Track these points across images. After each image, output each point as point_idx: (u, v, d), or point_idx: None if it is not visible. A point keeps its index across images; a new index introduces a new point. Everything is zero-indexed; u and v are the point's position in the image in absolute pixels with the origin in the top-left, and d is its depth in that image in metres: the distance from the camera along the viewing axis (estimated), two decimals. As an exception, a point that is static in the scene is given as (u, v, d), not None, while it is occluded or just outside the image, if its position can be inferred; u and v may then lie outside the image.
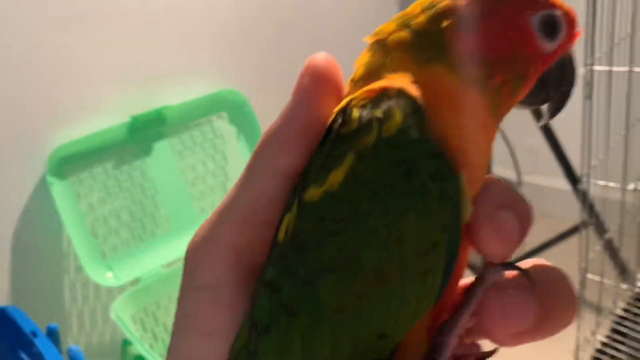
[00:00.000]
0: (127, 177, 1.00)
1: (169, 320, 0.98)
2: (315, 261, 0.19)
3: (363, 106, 0.20)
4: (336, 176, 0.19)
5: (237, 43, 1.19)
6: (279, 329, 0.20)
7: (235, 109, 1.11)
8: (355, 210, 0.19)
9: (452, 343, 0.20)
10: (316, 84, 0.21)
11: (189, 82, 1.10)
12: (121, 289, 0.98)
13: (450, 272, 0.20)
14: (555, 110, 0.23)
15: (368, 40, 0.22)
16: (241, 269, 0.21)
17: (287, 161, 0.21)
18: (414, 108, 0.20)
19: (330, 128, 0.20)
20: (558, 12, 0.22)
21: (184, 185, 1.06)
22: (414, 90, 0.20)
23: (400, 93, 0.20)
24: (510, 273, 0.21)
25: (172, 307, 0.90)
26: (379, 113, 0.20)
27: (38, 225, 1.02)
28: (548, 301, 0.20)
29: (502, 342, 0.21)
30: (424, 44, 0.21)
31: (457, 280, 0.21)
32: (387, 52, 0.21)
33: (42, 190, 1.01)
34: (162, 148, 1.04)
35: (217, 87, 1.12)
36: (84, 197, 0.99)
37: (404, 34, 0.22)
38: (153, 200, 1.01)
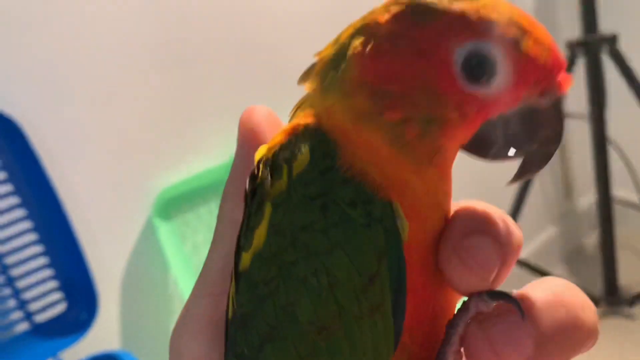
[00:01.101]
0: (231, 216, 1.10)
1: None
2: (255, 334, 0.18)
3: (275, 151, 0.19)
4: (259, 235, 0.19)
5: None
6: None
7: None
8: (282, 266, 0.18)
9: None
10: (253, 134, 0.21)
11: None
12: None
13: (403, 303, 0.18)
14: (523, 171, 0.20)
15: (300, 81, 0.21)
16: (223, 340, 0.20)
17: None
18: (321, 140, 0.18)
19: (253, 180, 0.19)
20: (496, 50, 0.18)
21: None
22: (319, 124, 0.19)
23: (306, 129, 0.19)
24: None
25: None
26: (286, 154, 0.19)
27: (145, 267, 1.02)
28: (549, 331, 0.18)
29: None
30: (332, 67, 0.19)
31: (434, 310, 0.19)
32: (311, 83, 0.20)
33: (148, 233, 1.01)
34: (261, 186, 1.14)
35: None
36: (189, 238, 1.04)
37: (328, 53, 0.20)
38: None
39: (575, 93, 1.57)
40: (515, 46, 0.18)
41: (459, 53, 0.18)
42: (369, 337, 0.17)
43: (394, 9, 0.18)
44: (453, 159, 0.20)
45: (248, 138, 0.21)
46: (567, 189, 1.89)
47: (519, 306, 0.19)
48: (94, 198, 0.95)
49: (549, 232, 1.86)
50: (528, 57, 0.18)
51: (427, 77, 0.18)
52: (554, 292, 0.19)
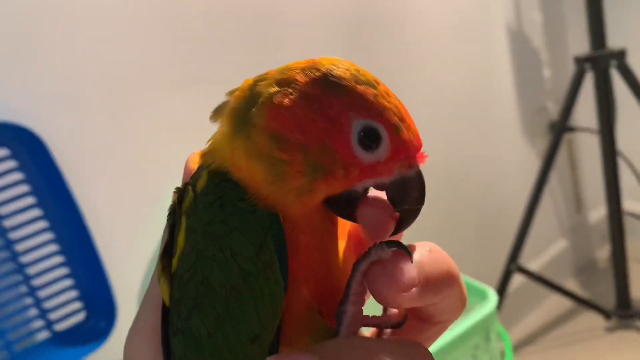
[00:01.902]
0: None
1: None
2: (184, 309, 0.24)
3: (188, 182, 0.26)
4: (180, 241, 0.24)
5: None
6: None
7: None
8: (197, 254, 0.23)
9: (349, 310, 0.23)
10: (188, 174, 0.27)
11: None
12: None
13: (285, 259, 0.23)
14: (400, 226, 0.25)
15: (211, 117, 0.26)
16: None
17: None
18: (218, 169, 0.24)
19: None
20: (382, 129, 0.23)
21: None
22: (223, 150, 0.24)
23: (206, 164, 0.25)
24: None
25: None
26: (192, 181, 0.25)
27: None
28: (428, 268, 0.24)
29: (393, 301, 0.23)
30: (243, 109, 0.24)
31: (326, 267, 0.25)
32: (220, 123, 0.26)
33: None
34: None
35: None
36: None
37: (242, 94, 0.25)
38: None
39: (584, 107, 1.59)
40: (395, 129, 0.23)
41: (356, 124, 0.23)
42: (266, 287, 0.23)
43: (312, 74, 0.23)
44: (320, 204, 0.25)
45: (188, 177, 0.27)
46: (578, 203, 1.90)
47: (407, 250, 0.24)
48: (113, 210, 0.98)
49: (559, 246, 1.86)
50: (402, 139, 0.23)
51: (328, 135, 0.23)
52: (433, 247, 0.25)
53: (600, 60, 1.41)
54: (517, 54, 1.63)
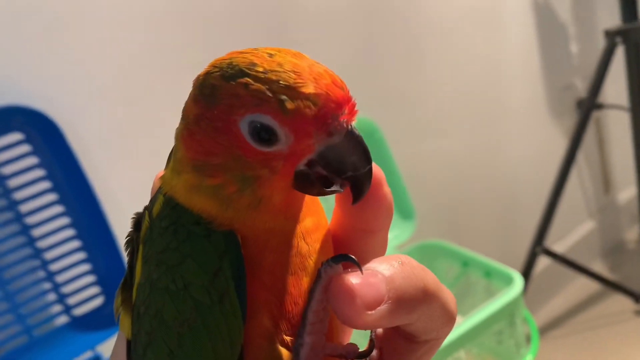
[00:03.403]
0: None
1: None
2: (140, 346, 0.23)
3: (146, 206, 0.25)
4: (138, 270, 0.24)
5: (366, 69, 1.20)
6: None
7: (365, 138, 1.23)
8: (151, 284, 0.22)
9: (306, 342, 0.21)
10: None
11: None
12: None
13: (244, 287, 0.21)
14: (356, 195, 0.23)
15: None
16: None
17: None
18: (169, 195, 0.24)
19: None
20: (267, 118, 0.21)
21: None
22: (171, 184, 0.24)
23: (162, 188, 0.24)
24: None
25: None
26: (149, 206, 0.25)
27: None
28: (399, 282, 0.21)
29: (358, 322, 0.20)
30: (174, 148, 0.24)
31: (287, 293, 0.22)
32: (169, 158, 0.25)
33: None
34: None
35: None
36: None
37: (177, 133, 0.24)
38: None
39: (614, 84, 1.53)
40: (280, 111, 0.20)
41: (242, 125, 0.21)
42: (222, 319, 0.21)
43: (193, 94, 0.23)
44: (286, 200, 0.23)
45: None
46: (606, 183, 1.85)
47: (355, 260, 0.21)
48: (129, 196, 0.97)
49: (586, 227, 1.82)
50: (295, 115, 0.21)
51: (229, 147, 0.21)
52: (406, 259, 0.23)
53: (632, 34, 1.35)
54: (544, 29, 1.57)
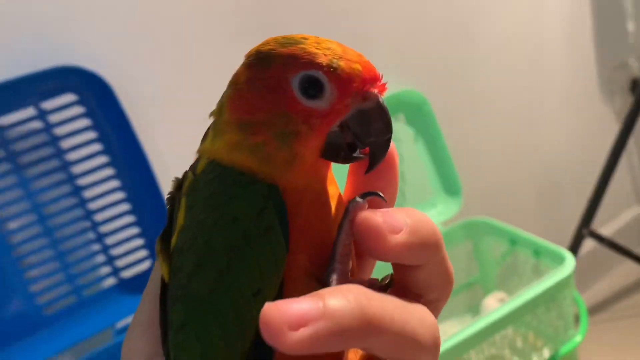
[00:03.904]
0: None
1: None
2: (184, 275, 0.24)
3: (185, 173, 0.26)
4: (180, 218, 0.25)
5: (418, 42, 1.18)
6: (177, 347, 0.23)
7: (413, 110, 1.11)
8: (197, 223, 0.24)
9: (337, 269, 0.24)
10: None
11: None
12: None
13: (286, 224, 0.23)
14: (373, 161, 0.25)
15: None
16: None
17: None
18: (211, 158, 0.25)
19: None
20: (319, 73, 0.24)
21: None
22: (212, 149, 0.25)
23: (203, 154, 0.26)
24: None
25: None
26: (192, 166, 0.26)
27: None
28: (416, 224, 0.23)
29: (381, 247, 0.22)
30: (217, 112, 0.26)
31: (320, 230, 0.25)
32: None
33: None
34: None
35: (395, 88, 1.10)
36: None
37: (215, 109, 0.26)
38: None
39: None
40: (332, 68, 0.24)
41: (294, 81, 0.24)
42: (268, 247, 0.23)
43: (247, 62, 0.25)
44: (315, 164, 0.25)
45: None
46: (657, 167, 1.79)
47: (380, 195, 0.25)
48: (179, 160, 0.97)
49: (634, 212, 1.77)
50: (343, 74, 0.24)
51: (277, 103, 0.24)
52: (416, 210, 0.25)
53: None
54: (599, 5, 1.52)
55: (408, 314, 0.22)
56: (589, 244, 1.57)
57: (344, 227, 0.24)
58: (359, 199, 0.24)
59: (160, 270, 0.26)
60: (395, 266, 0.25)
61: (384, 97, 0.25)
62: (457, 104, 1.29)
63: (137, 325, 0.26)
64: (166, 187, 0.81)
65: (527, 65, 1.41)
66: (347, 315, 0.19)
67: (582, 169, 1.58)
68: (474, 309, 1.24)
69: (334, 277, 0.23)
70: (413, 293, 0.24)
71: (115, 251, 0.90)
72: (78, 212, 0.87)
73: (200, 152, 0.27)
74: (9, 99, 0.81)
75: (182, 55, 0.95)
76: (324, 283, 0.23)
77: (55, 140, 0.85)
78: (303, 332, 0.18)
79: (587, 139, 1.58)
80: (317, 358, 0.21)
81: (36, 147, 0.84)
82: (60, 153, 0.85)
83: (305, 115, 0.24)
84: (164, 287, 0.25)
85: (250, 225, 0.23)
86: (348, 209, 0.24)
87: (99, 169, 0.87)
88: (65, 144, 0.86)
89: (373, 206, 0.24)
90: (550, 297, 0.92)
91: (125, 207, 0.89)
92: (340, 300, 0.20)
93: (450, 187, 1.18)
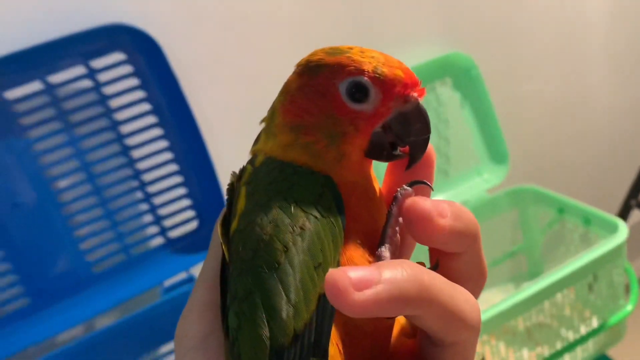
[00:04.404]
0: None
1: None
2: (248, 250, 0.25)
3: (244, 166, 0.29)
4: (240, 205, 0.26)
5: (464, 4, 1.14)
6: (241, 315, 0.24)
7: (460, 74, 1.09)
8: (260, 205, 0.25)
9: (387, 247, 0.26)
10: None
11: (414, 46, 1.09)
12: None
13: (342, 208, 0.26)
14: (412, 159, 0.28)
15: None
16: (219, 321, 0.26)
17: None
18: (266, 153, 0.28)
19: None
20: (364, 79, 0.26)
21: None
22: (266, 148, 0.28)
23: (259, 152, 0.29)
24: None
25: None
26: (250, 160, 0.29)
27: None
28: (457, 212, 0.25)
29: (429, 230, 0.24)
30: (269, 117, 0.29)
31: (372, 215, 0.27)
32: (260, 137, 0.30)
33: None
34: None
35: (441, 51, 1.09)
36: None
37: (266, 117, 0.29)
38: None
39: None
40: (376, 74, 0.26)
41: (342, 87, 0.26)
42: (327, 227, 0.25)
43: (297, 71, 0.28)
44: (360, 162, 0.28)
45: None
46: None
47: (427, 183, 0.27)
48: (226, 119, 0.96)
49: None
50: (386, 79, 0.26)
51: (326, 107, 0.27)
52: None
53: None
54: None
55: (456, 291, 0.23)
56: (637, 215, 1.53)
57: (393, 212, 0.26)
58: (407, 187, 0.26)
59: (220, 252, 0.27)
60: (435, 255, 0.27)
61: (422, 100, 0.28)
62: (506, 68, 1.26)
63: (193, 307, 0.27)
64: (212, 148, 0.81)
65: (579, 29, 1.36)
66: (405, 281, 0.21)
67: (634, 138, 1.53)
68: (517, 279, 1.22)
69: (387, 253, 0.26)
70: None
71: (163, 211, 0.91)
72: (126, 172, 0.88)
73: (255, 151, 0.29)
74: (59, 57, 0.82)
75: (231, 17, 0.94)
76: (376, 259, 0.26)
77: (104, 99, 0.85)
78: (367, 293, 0.20)
79: (638, 107, 1.53)
80: (370, 324, 0.25)
81: (85, 106, 0.84)
82: (109, 112, 0.85)
83: (352, 118, 0.27)
84: (223, 267, 0.27)
85: (310, 207, 0.25)
86: (397, 196, 0.26)
87: (148, 129, 0.87)
88: (114, 103, 0.86)
89: (419, 194, 0.27)
90: (601, 265, 0.90)
91: (173, 167, 0.89)
92: (398, 269, 0.22)
93: (497, 153, 1.16)
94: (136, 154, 0.88)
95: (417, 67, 1.06)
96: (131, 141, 0.87)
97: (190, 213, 0.92)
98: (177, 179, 0.90)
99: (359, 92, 0.26)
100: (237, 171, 0.29)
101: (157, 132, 0.88)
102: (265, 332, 0.23)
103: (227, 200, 0.28)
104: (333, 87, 0.27)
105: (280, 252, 0.24)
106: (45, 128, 0.82)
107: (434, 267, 0.26)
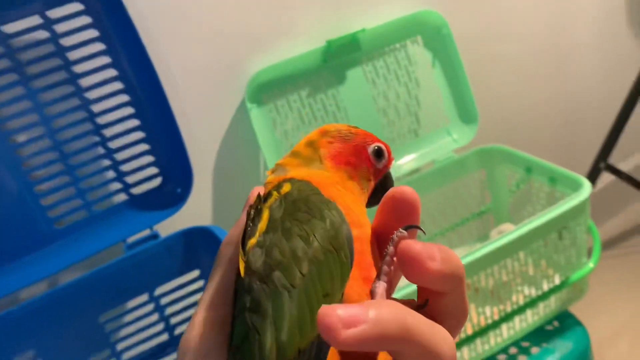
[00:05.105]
0: (321, 105, 1.04)
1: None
2: (263, 268, 0.27)
3: (269, 189, 0.32)
4: (261, 226, 0.29)
5: None
6: (253, 324, 0.26)
7: (431, 33, 1.08)
8: (282, 230, 0.28)
9: (382, 284, 0.29)
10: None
11: (385, 4, 1.08)
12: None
13: (352, 248, 0.29)
14: (377, 201, 0.35)
15: (269, 173, 0.35)
16: (224, 338, 0.28)
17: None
18: (298, 180, 0.33)
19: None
20: (382, 146, 0.37)
21: (376, 114, 1.09)
22: (298, 176, 0.33)
23: (288, 178, 0.33)
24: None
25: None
26: (275, 187, 0.32)
27: (237, 149, 1.00)
28: (445, 255, 0.27)
29: (419, 271, 0.27)
30: (310, 161, 0.35)
31: (372, 255, 0.31)
32: (285, 169, 0.35)
33: (241, 115, 0.99)
34: (355, 74, 1.05)
35: (413, 8, 1.07)
36: (279, 125, 1.02)
37: (294, 160, 0.36)
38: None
39: None
40: (385, 144, 0.37)
41: (370, 149, 0.36)
42: (338, 263, 0.28)
43: (329, 135, 0.36)
44: (365, 201, 0.36)
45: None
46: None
47: (421, 228, 0.31)
48: (189, 77, 0.95)
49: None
50: (388, 150, 0.37)
51: (362, 161, 0.36)
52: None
53: None
54: None
55: (435, 330, 0.26)
56: (605, 179, 1.55)
57: (389, 251, 0.29)
58: (402, 230, 0.30)
59: (228, 269, 0.30)
60: (424, 293, 0.29)
61: None
62: (478, 27, 1.25)
63: (197, 323, 0.29)
64: (177, 107, 0.79)
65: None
66: (388, 322, 0.24)
67: (604, 102, 1.53)
68: (484, 239, 1.23)
69: (380, 290, 0.29)
70: (436, 319, 0.29)
71: (126, 167, 0.90)
72: (87, 126, 0.86)
73: (278, 179, 0.34)
74: (15, 6, 0.79)
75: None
76: (372, 294, 0.29)
77: (62, 50, 0.82)
78: (354, 331, 0.23)
79: (611, 72, 1.53)
80: (358, 354, 0.28)
81: (43, 58, 0.82)
82: (67, 65, 0.83)
83: (373, 171, 0.36)
84: (236, 281, 0.29)
85: (326, 243, 0.28)
86: (393, 237, 0.30)
87: (108, 82, 0.85)
88: (73, 55, 0.83)
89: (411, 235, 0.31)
90: (564, 222, 0.91)
91: (135, 122, 0.88)
92: (384, 309, 0.24)
93: (466, 114, 1.15)
94: (97, 108, 0.86)
95: (389, 24, 1.06)
96: (91, 95, 0.85)
97: (154, 170, 0.90)
98: (140, 135, 0.89)
99: (379, 154, 0.36)
100: (260, 194, 0.32)
101: (118, 85, 0.86)
102: (272, 347, 0.25)
103: (247, 219, 0.30)
104: (364, 149, 0.36)
105: (296, 277, 0.27)
106: (0, 80, 0.80)
107: (424, 304, 0.28)
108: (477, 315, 0.93)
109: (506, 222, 1.22)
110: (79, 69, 0.84)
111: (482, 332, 0.93)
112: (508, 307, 0.94)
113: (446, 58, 1.12)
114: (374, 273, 0.30)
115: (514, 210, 1.19)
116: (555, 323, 1.03)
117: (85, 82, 0.85)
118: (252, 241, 0.28)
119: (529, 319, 0.98)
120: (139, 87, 0.87)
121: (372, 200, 0.37)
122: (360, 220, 0.32)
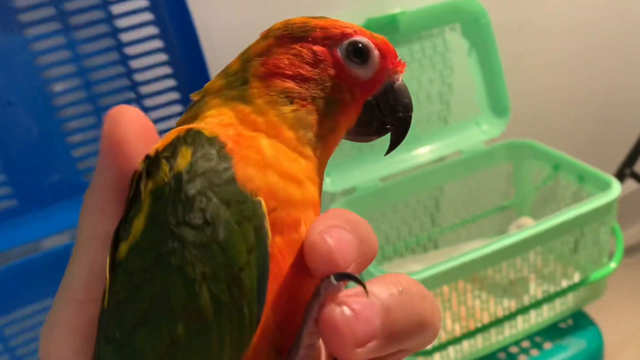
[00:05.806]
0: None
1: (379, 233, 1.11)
2: (129, 319, 0.19)
3: (157, 150, 0.20)
4: (138, 225, 0.20)
5: None
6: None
7: (470, 21, 1.06)
8: (159, 255, 0.19)
9: (299, 356, 0.20)
10: (117, 144, 0.20)
11: None
12: (332, 196, 1.02)
13: (264, 290, 0.19)
14: (397, 139, 0.25)
15: (193, 97, 0.24)
16: (91, 345, 0.21)
17: (108, 225, 0.20)
18: (207, 143, 0.20)
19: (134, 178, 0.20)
20: (365, 39, 0.24)
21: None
22: (210, 128, 0.21)
23: (194, 132, 0.21)
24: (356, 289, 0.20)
25: (384, 221, 1.08)
26: (168, 152, 0.20)
27: None
28: (395, 315, 0.20)
29: (345, 356, 0.19)
30: (233, 84, 0.23)
31: (293, 303, 0.21)
32: (204, 100, 0.23)
33: None
34: (392, 56, 1.08)
35: None
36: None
37: (220, 81, 0.24)
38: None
39: None
40: (373, 36, 0.24)
41: (340, 48, 0.23)
42: (236, 320, 0.19)
43: (272, 35, 0.24)
44: (336, 144, 0.24)
45: (111, 147, 0.21)
46: None
47: (361, 282, 0.20)
48: (228, 40, 0.95)
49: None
50: (383, 45, 0.24)
51: (325, 70, 0.23)
52: (406, 285, 0.21)
53: None
54: None
55: None
56: (628, 186, 1.53)
57: (311, 314, 0.20)
58: (333, 280, 0.20)
59: (92, 259, 0.21)
60: None
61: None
62: (518, 19, 1.23)
63: (58, 329, 0.22)
64: (212, 64, 0.79)
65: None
66: None
67: (638, 108, 1.52)
68: (504, 233, 1.23)
69: None
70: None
71: (158, 126, 0.90)
72: (124, 82, 0.87)
73: (185, 121, 0.24)
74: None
75: None
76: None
77: (105, 4, 0.83)
78: None
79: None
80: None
81: (86, 10, 0.82)
82: (109, 18, 0.84)
83: (350, 83, 0.24)
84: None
85: (222, 290, 0.19)
86: (319, 289, 0.20)
87: (148, 40, 0.86)
88: (115, 9, 0.84)
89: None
90: (590, 221, 0.90)
91: (171, 82, 0.88)
92: None
93: (498, 105, 1.14)
94: (135, 64, 0.86)
95: (428, 8, 1.04)
96: (130, 51, 0.86)
97: (178, 107, 0.90)
98: (174, 95, 0.89)
99: (360, 54, 0.24)
100: (145, 159, 0.21)
101: (158, 44, 0.86)
102: None
103: (129, 194, 0.21)
104: (330, 50, 0.24)
105: (165, 346, 0.19)
106: (43, 27, 0.81)
107: None
108: (495, 305, 0.93)
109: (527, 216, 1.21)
110: (120, 23, 0.84)
111: (497, 322, 0.92)
112: (526, 301, 0.94)
113: (483, 48, 1.10)
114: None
115: (536, 207, 1.18)
116: (570, 321, 1.02)
117: (125, 37, 0.85)
118: (123, 249, 0.20)
119: (545, 314, 0.97)
120: (179, 47, 0.87)
121: (366, 131, 0.25)
122: (290, 185, 0.21)
